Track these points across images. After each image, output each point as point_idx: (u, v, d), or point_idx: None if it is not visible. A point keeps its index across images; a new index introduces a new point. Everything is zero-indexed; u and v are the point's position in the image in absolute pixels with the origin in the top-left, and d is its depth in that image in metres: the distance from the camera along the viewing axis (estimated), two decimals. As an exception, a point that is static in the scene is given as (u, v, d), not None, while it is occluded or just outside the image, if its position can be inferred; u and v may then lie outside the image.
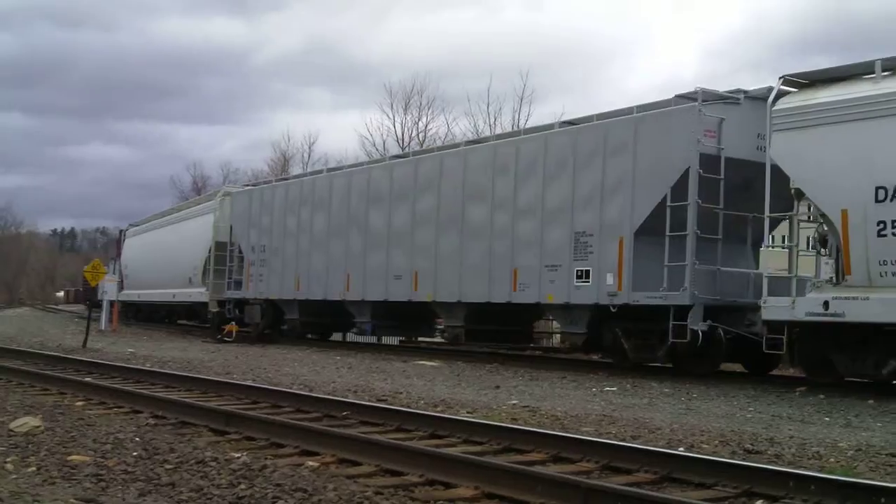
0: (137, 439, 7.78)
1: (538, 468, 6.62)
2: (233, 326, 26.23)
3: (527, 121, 42.11)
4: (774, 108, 13.80)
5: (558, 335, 19.18)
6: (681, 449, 7.77)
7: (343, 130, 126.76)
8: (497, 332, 20.17)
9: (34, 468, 6.55)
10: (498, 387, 13.68)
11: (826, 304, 12.97)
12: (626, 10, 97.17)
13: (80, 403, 10.60)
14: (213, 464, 6.73)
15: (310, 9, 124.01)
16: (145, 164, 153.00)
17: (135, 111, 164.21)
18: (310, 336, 25.89)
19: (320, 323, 25.29)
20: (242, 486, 6.05)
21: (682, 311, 14.67)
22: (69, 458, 6.91)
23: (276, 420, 8.74)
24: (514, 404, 11.28)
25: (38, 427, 8.21)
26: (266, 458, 7.05)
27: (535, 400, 11.86)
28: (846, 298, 12.83)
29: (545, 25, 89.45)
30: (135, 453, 7.14)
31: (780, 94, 13.93)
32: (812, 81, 13.91)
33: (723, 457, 7.32)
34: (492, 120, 45.35)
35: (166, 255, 33.38)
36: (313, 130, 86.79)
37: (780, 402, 12.01)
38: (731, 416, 10.60)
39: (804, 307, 13.22)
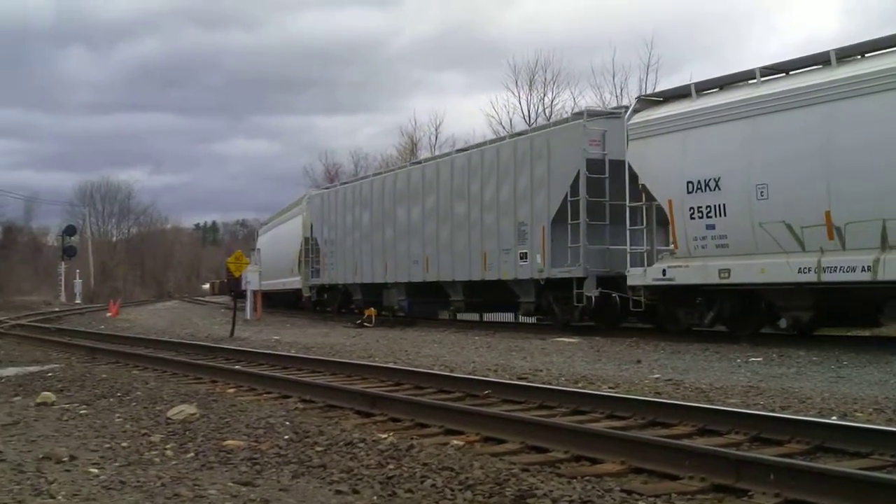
0: (288, 423, 7.99)
1: (686, 441, 6.52)
2: (372, 311, 26.70)
3: (654, 88, 41.45)
4: (628, 122, 18.13)
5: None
6: (833, 418, 7.53)
7: (472, 112, 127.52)
8: (488, 303, 25.04)
9: (192, 454, 6.79)
10: (639, 361, 13.54)
11: (664, 272, 17.14)
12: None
13: (231, 390, 10.96)
14: (362, 445, 6.86)
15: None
16: (285, 156, 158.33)
17: (275, 106, 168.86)
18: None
19: (377, 302, 28.73)
20: (391, 467, 6.15)
21: (582, 281, 19.25)
22: (224, 443, 7.14)
23: (421, 401, 8.86)
24: (657, 378, 11.15)
25: (193, 414, 8.53)
26: (412, 439, 7.15)
27: (677, 373, 11.69)
28: (675, 267, 17.00)
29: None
30: (286, 437, 7.34)
31: (637, 111, 18.26)
32: (664, 99, 18.30)
33: (878, 425, 7.08)
34: (618, 91, 44.81)
35: (279, 250, 38.75)
36: (440, 113, 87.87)
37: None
38: (885, 383, 10.23)
39: (651, 275, 17.44)
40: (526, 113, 49.64)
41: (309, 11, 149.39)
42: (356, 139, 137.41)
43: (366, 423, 8.25)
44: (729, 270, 15.92)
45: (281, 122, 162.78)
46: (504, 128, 47.56)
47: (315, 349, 16.96)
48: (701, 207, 16.33)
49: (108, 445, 7.14)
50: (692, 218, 16.50)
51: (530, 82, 50.08)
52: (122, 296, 67.15)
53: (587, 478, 5.76)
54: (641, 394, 9.32)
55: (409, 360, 14.38)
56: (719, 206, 16.07)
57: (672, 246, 17.22)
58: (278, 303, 42.22)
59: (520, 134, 24.10)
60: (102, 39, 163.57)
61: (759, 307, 16.67)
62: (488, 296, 24.02)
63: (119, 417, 8.66)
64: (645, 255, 18.10)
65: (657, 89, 38.56)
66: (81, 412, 9.12)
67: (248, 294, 32.79)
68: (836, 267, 14.24)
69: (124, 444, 7.16)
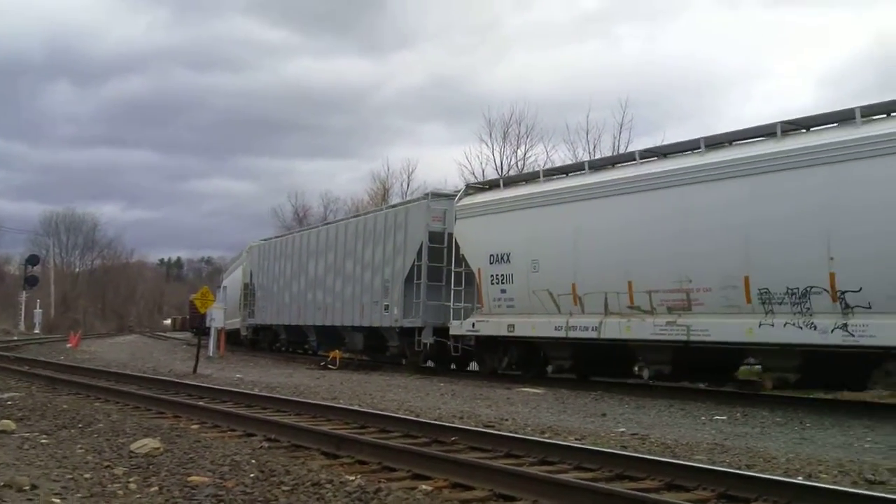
0: (253, 461, 7.92)
1: (654, 495, 6.52)
2: (337, 353, 26.56)
3: (626, 147, 41.94)
4: (456, 204, 22.40)
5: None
6: (799, 478, 7.57)
7: (447, 162, 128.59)
8: (373, 347, 27.79)
9: (156, 488, 6.71)
10: (604, 414, 13.55)
11: (473, 325, 21.45)
12: (739, 42, 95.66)
13: (195, 426, 10.84)
14: (329, 486, 6.81)
15: (437, 47, 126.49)
16: (262, 196, 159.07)
17: (258, 147, 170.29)
18: (291, 350, 35.99)
19: (299, 342, 34.55)
20: (358, 509, 6.11)
21: (422, 330, 23.60)
22: (189, 478, 7.06)
23: (388, 444, 8.80)
24: (623, 432, 11.16)
25: (157, 448, 8.43)
26: (380, 482, 7.10)
27: (643, 428, 11.71)
28: (480, 321, 21.25)
29: (659, 56, 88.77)
30: (252, 475, 7.26)
31: (464, 196, 22.62)
32: (485, 188, 22.86)
33: (844, 486, 7.12)
34: (591, 147, 45.19)
35: (230, 294, 42.73)
36: (413, 161, 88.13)
37: (899, 433, 11.61)
38: (849, 446, 10.30)
39: (465, 326, 21.71)
40: (498, 165, 49.90)
41: (300, 58, 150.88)
42: (334, 183, 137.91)
43: (332, 464, 8.18)
44: (514, 325, 20.21)
45: (262, 163, 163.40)
46: (475, 177, 47.74)
47: (279, 389, 16.83)
48: (497, 275, 20.59)
49: (70, 476, 7.04)
50: (492, 283, 20.75)
51: (504, 135, 50.43)
52: (82, 328, 66.26)
53: (556, 527, 5.75)
54: (608, 446, 9.31)
55: (373, 403, 14.29)
56: (509, 275, 20.29)
57: (479, 304, 21.36)
58: (236, 341, 43.07)
59: (392, 206, 29.09)
60: (90, 76, 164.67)
61: (538, 355, 20.90)
62: (371, 341, 27.52)
63: (81, 448, 8.54)
64: (463, 310, 22.06)
65: (626, 150, 39.32)
66: (42, 441, 8.99)
67: (213, 331, 32.50)
68: (577, 326, 18.37)
69: (87, 476, 7.06)
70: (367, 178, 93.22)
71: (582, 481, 6.86)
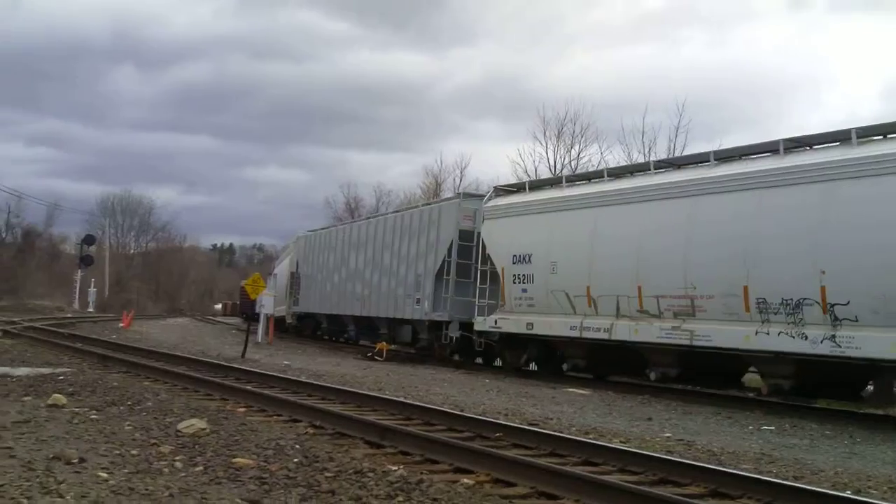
0: (297, 446, 7.97)
1: (699, 501, 6.45)
2: (384, 345, 26.64)
3: (682, 150, 41.58)
4: (484, 205, 23.43)
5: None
6: (847, 492, 7.43)
7: (500, 158, 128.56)
8: (412, 338, 27.82)
9: (201, 468, 6.78)
10: (650, 419, 13.43)
11: (496, 322, 22.13)
12: (806, 47, 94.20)
13: (241, 410, 10.93)
14: (371, 475, 6.83)
15: (496, 44, 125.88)
16: (315, 186, 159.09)
17: (313, 137, 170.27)
18: (334, 339, 37.12)
19: (339, 331, 35.91)
20: (400, 499, 6.12)
21: (448, 324, 24.41)
22: (233, 460, 7.12)
23: (432, 436, 8.80)
24: (668, 437, 11.05)
25: (203, 429, 8.51)
26: (422, 473, 7.11)
27: (689, 434, 11.59)
28: (502, 318, 21.93)
29: (720, 61, 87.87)
30: (295, 460, 7.31)
31: (492, 197, 23.57)
32: (512, 191, 23.54)
33: (894, 503, 6.98)
34: (646, 150, 44.84)
35: (279, 282, 42.57)
36: (466, 156, 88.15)
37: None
38: (900, 463, 10.10)
39: (488, 323, 22.39)
40: (552, 164, 49.68)
41: (358, 51, 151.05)
42: (387, 175, 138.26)
43: (375, 453, 8.21)
44: (532, 324, 20.94)
45: (317, 153, 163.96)
46: (528, 175, 47.61)
47: (326, 377, 16.90)
48: (519, 275, 21.35)
49: (117, 451, 7.13)
50: (514, 282, 21.51)
51: (558, 133, 50.18)
52: (134, 308, 67.20)
53: (598, 528, 5.71)
54: (653, 451, 9.22)
55: (419, 395, 14.31)
56: (530, 275, 21.04)
57: (502, 302, 22.02)
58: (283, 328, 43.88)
59: (427, 204, 30.35)
60: (154, 61, 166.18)
61: (555, 353, 21.64)
62: (403, 332, 28.20)
63: (129, 425, 8.65)
64: (487, 307, 22.69)
65: (682, 153, 38.94)
66: (92, 417, 9.12)
67: (262, 317, 32.77)
68: (590, 327, 19.08)
69: (134, 452, 7.15)
70: (421, 171, 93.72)
71: (625, 483, 6.80)
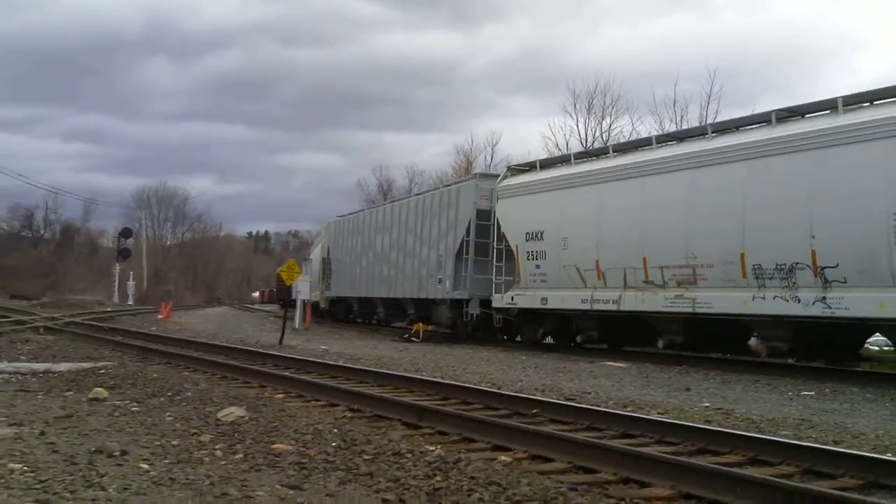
0: (335, 430, 8.02)
1: (737, 469, 6.42)
2: (420, 326, 26.73)
3: (715, 117, 41.18)
4: (498, 185, 24.20)
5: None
6: (889, 455, 7.38)
7: (531, 134, 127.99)
8: (428, 318, 28.80)
9: (241, 455, 6.84)
10: (689, 389, 13.40)
11: (512, 298, 23.00)
12: (842, 10, 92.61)
13: (279, 396, 11.02)
14: (409, 456, 6.86)
15: (528, 18, 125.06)
16: (351, 170, 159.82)
17: (347, 121, 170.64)
18: (366, 322, 37.32)
19: (370, 313, 36.65)
20: (438, 478, 6.14)
21: (469, 302, 25.22)
22: (273, 446, 7.18)
23: (468, 415, 8.82)
24: (707, 406, 11.01)
25: (242, 417, 8.59)
26: (459, 452, 7.13)
27: (728, 403, 11.55)
28: (518, 294, 22.87)
29: (756, 27, 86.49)
30: (334, 444, 7.36)
31: (506, 177, 24.43)
32: (525, 169, 24.20)
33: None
34: (678, 118, 44.47)
35: (313, 267, 44.33)
36: (496, 133, 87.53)
37: None
38: (943, 424, 10.00)
39: (505, 300, 23.31)
40: (582, 137, 49.48)
41: (389, 32, 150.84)
42: (421, 157, 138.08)
43: (413, 434, 8.25)
44: (546, 299, 21.84)
45: (351, 137, 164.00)
46: (559, 149, 47.43)
47: (363, 360, 17.00)
48: (532, 252, 22.25)
49: (158, 443, 7.22)
50: (528, 259, 22.42)
51: (589, 106, 49.92)
52: (173, 299, 67.88)
53: (635, 500, 5.71)
54: (691, 421, 9.19)
55: (455, 375, 14.36)
56: (543, 251, 21.94)
57: (517, 279, 22.83)
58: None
59: (447, 185, 30.86)
60: (186, 52, 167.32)
61: (570, 326, 22.50)
62: (429, 311, 28.96)
63: (170, 416, 8.75)
64: (504, 284, 23.52)
65: (714, 120, 38.57)
66: (133, 409, 9.23)
67: (298, 303, 32.97)
68: (600, 299, 20.00)
69: (174, 443, 7.23)
70: (453, 151, 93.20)
71: (662, 454, 6.79)
